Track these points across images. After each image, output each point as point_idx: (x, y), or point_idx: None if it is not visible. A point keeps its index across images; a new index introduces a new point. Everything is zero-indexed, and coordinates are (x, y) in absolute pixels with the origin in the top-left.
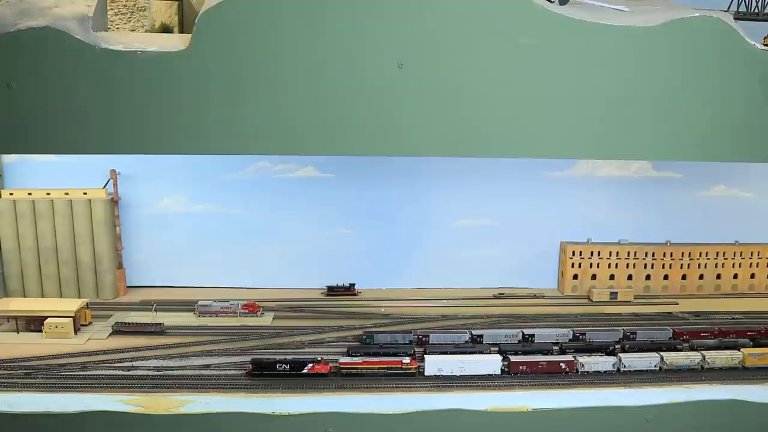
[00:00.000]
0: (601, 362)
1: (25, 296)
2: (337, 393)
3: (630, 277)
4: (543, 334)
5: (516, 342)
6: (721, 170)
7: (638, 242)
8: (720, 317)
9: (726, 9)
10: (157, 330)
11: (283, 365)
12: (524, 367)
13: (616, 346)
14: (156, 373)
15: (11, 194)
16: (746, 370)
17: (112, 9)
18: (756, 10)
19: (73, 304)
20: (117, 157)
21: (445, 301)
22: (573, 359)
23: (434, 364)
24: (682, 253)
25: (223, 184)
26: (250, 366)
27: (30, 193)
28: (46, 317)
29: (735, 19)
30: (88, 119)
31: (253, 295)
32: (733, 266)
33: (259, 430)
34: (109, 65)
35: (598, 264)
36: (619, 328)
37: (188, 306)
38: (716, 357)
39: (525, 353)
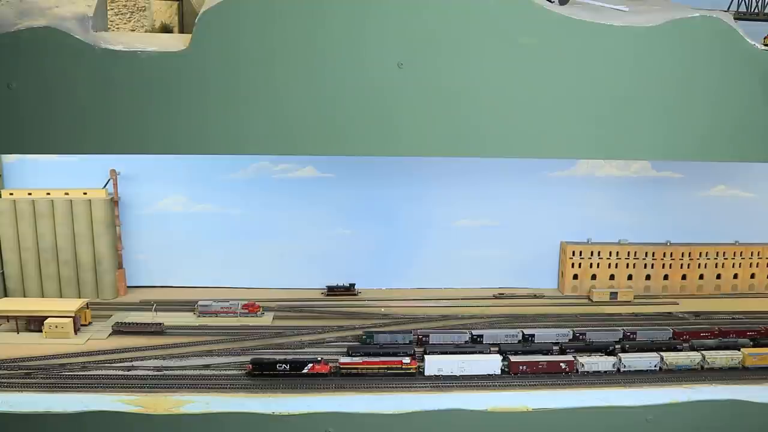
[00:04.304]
0: (601, 362)
1: (25, 296)
2: (337, 393)
3: (630, 277)
4: (543, 334)
5: (516, 342)
6: (721, 170)
7: (638, 242)
8: (720, 317)
9: (726, 9)
10: (157, 330)
11: (283, 365)
12: (524, 367)
13: (616, 346)
14: (156, 373)
15: (11, 194)
16: (746, 370)
17: (112, 9)
18: (756, 10)
19: (73, 304)
20: (117, 157)
21: (445, 301)
22: (573, 359)
23: (434, 364)
24: (682, 253)
25: (223, 184)
26: (250, 366)
27: (30, 193)
28: (46, 317)
29: (735, 19)
30: (88, 119)
31: (253, 295)
32: (733, 266)
33: (259, 430)
34: (109, 65)
35: (598, 264)
36: (619, 328)
37: (188, 306)
38: (716, 357)
39: (525, 353)
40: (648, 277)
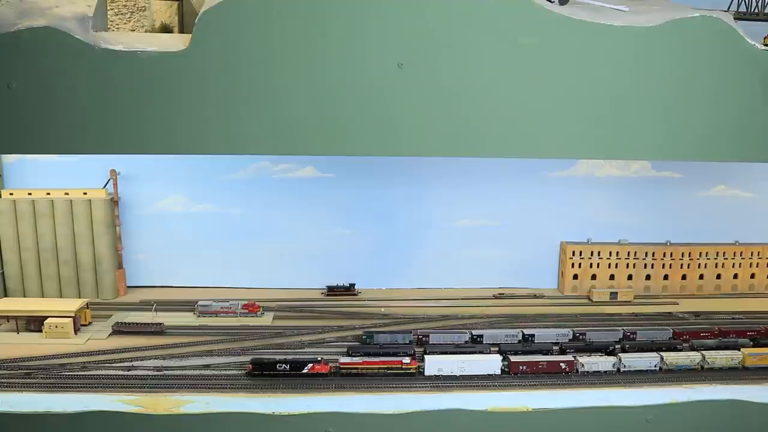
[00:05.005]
0: (601, 362)
1: (25, 296)
2: (337, 393)
3: (630, 277)
4: (543, 334)
5: (516, 342)
6: (721, 170)
7: (638, 242)
8: (720, 317)
9: (726, 9)
10: (157, 330)
11: (283, 365)
12: (524, 367)
13: (616, 346)
14: (156, 373)
15: (11, 194)
16: (746, 370)
17: (112, 9)
18: (756, 10)
19: (73, 304)
20: (117, 157)
21: (445, 301)
22: (573, 359)
23: (434, 364)
24: (682, 253)
25: (223, 184)
26: (250, 366)
27: (30, 193)
28: (46, 317)
29: (735, 19)
30: (88, 119)
31: (253, 295)
32: (733, 266)
33: (259, 430)
34: (109, 65)
35: (598, 264)
36: (619, 328)
37: (188, 306)
38: (716, 357)
39: (525, 353)
40: (648, 277)
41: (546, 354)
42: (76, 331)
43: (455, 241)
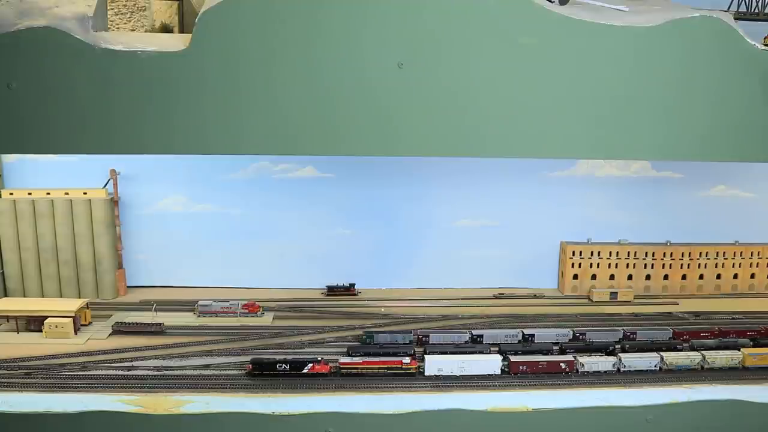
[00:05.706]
0: (601, 362)
1: (25, 296)
2: (337, 393)
3: (630, 277)
4: (543, 334)
5: (516, 342)
6: (721, 170)
7: (638, 242)
8: (720, 317)
9: (726, 9)
10: (157, 330)
11: (283, 365)
12: (524, 367)
13: (616, 346)
14: (156, 373)
15: (11, 194)
16: (746, 370)
17: (112, 9)
18: (756, 10)
19: (73, 304)
20: (117, 157)
21: (445, 301)
22: (573, 359)
23: (434, 364)
24: (682, 253)
25: (223, 184)
26: (250, 366)
27: (30, 193)
28: (46, 317)
29: (735, 19)
30: (88, 119)
31: (253, 295)
32: (733, 266)
33: (259, 430)
34: (109, 65)
35: (598, 264)
36: (619, 328)
37: (188, 306)
38: (716, 357)
39: (525, 353)
40: (648, 277)
41: (546, 354)
42: (76, 331)
43: (455, 241)
